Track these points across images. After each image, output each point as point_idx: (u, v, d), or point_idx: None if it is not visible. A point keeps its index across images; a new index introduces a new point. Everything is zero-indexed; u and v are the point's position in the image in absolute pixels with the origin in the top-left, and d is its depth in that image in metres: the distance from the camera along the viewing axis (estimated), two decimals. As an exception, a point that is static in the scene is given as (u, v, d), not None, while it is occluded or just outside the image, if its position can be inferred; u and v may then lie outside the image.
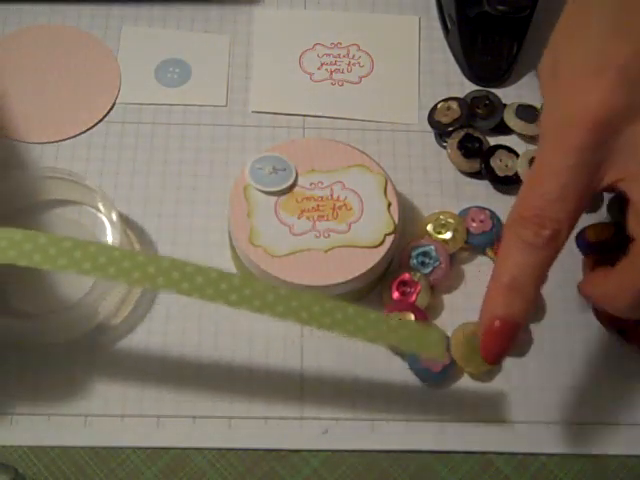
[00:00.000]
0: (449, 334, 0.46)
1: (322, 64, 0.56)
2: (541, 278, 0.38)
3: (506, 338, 0.38)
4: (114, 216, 0.45)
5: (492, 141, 0.53)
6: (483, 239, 0.49)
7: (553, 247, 0.37)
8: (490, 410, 0.45)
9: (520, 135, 0.54)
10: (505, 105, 0.54)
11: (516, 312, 0.37)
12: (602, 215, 0.51)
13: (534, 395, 0.46)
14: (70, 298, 0.45)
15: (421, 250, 0.47)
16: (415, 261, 0.47)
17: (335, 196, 0.46)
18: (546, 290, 0.48)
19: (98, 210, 0.49)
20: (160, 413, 0.44)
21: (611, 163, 0.36)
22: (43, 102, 0.53)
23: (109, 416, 0.44)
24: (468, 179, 0.52)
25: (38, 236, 0.36)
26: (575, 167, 0.36)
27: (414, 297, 0.46)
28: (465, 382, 0.46)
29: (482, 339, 0.38)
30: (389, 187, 0.46)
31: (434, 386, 0.46)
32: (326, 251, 0.44)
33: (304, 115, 0.54)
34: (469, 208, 0.50)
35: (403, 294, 0.47)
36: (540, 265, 0.37)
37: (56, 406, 0.44)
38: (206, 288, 0.36)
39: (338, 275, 0.44)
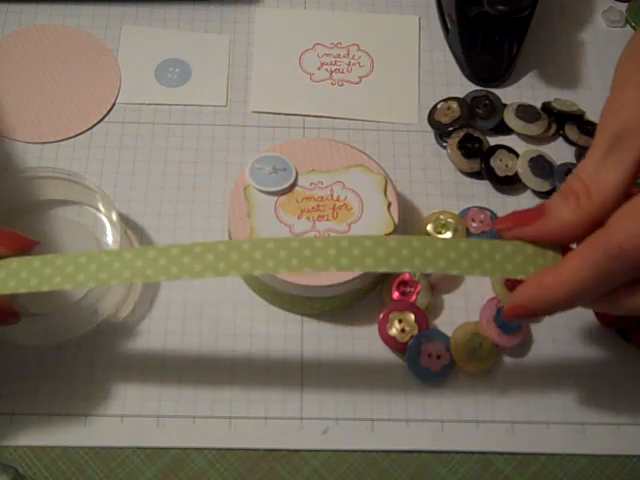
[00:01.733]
0: (449, 334, 0.46)
1: (322, 64, 0.56)
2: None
3: (528, 318, 0.38)
4: (114, 216, 0.45)
5: (492, 141, 0.53)
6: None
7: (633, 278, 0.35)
8: (490, 410, 0.45)
9: (520, 135, 0.54)
10: (505, 105, 0.54)
11: (549, 313, 0.37)
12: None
13: (534, 395, 0.46)
14: (70, 298, 0.45)
15: (421, 250, 0.47)
16: (415, 261, 0.47)
17: (335, 196, 0.46)
18: (546, 290, 0.49)
19: (98, 210, 0.49)
20: (160, 413, 0.44)
21: None
22: (43, 102, 0.53)
23: (109, 416, 0.44)
24: (468, 179, 0.52)
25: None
26: None
27: (414, 297, 0.46)
28: (465, 382, 0.46)
29: (507, 309, 0.38)
30: (389, 187, 0.46)
31: (434, 386, 0.46)
32: (326, 251, 0.44)
33: (304, 115, 0.54)
34: (469, 208, 0.50)
35: (403, 294, 0.47)
36: (605, 291, 0.35)
37: (56, 406, 0.44)
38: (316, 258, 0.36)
39: (338, 275, 0.44)
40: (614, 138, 0.36)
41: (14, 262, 0.37)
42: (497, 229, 0.38)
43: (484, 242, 0.37)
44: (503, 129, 0.54)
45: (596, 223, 0.35)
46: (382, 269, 0.36)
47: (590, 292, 0.35)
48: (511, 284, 0.46)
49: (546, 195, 0.52)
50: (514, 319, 0.38)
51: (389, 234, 0.45)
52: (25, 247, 0.38)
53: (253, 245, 0.36)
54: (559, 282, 0.35)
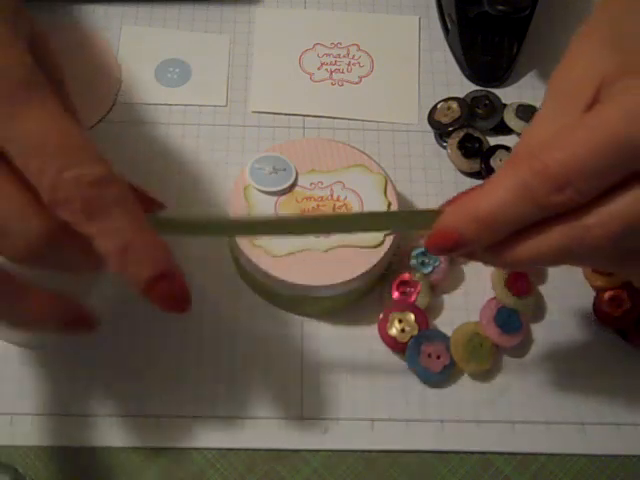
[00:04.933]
0: (449, 334, 0.46)
1: (322, 64, 0.56)
2: (520, 227, 0.33)
3: (451, 248, 0.35)
4: (114, 216, 0.45)
5: (492, 141, 0.53)
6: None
7: (553, 211, 0.33)
8: (490, 410, 0.45)
9: (520, 135, 0.54)
10: (505, 105, 0.54)
11: (474, 241, 0.34)
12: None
13: (534, 395, 0.46)
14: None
15: (421, 250, 0.47)
16: (415, 261, 0.47)
17: (335, 196, 0.46)
18: (546, 290, 0.49)
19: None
20: (160, 413, 0.44)
21: None
22: (43, 102, 0.53)
23: (110, 416, 0.44)
24: (468, 179, 0.52)
25: None
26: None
27: (414, 297, 0.46)
28: (465, 382, 0.46)
29: (429, 238, 0.35)
30: (389, 187, 0.46)
31: (434, 386, 0.46)
32: (326, 251, 0.44)
33: (304, 115, 0.54)
34: (469, 208, 0.50)
35: (403, 294, 0.47)
36: (528, 219, 0.33)
37: (56, 406, 0.44)
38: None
39: (338, 275, 0.44)
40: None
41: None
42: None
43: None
44: (503, 129, 0.54)
45: None
46: None
47: (517, 214, 0.33)
48: (511, 284, 0.47)
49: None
50: (439, 251, 0.35)
51: (389, 234, 0.45)
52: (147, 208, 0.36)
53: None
54: (483, 197, 0.33)
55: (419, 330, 0.45)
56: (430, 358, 0.45)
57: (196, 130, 0.53)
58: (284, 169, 0.46)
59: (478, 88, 0.55)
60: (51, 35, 0.55)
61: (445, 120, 0.53)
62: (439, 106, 0.54)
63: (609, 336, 0.48)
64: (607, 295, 0.47)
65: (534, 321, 0.48)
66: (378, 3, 0.59)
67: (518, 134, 0.54)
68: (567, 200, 0.32)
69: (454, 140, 0.52)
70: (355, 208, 0.45)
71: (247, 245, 0.44)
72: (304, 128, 0.54)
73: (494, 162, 0.52)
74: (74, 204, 0.31)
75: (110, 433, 0.44)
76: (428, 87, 0.56)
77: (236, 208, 0.45)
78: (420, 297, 0.46)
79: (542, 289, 0.49)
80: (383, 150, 0.53)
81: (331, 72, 0.56)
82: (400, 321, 0.45)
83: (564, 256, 0.34)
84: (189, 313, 0.47)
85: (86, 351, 0.46)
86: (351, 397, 0.45)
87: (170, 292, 0.34)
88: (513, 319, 0.46)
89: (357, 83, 0.56)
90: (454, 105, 0.54)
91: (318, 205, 0.46)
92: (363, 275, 0.44)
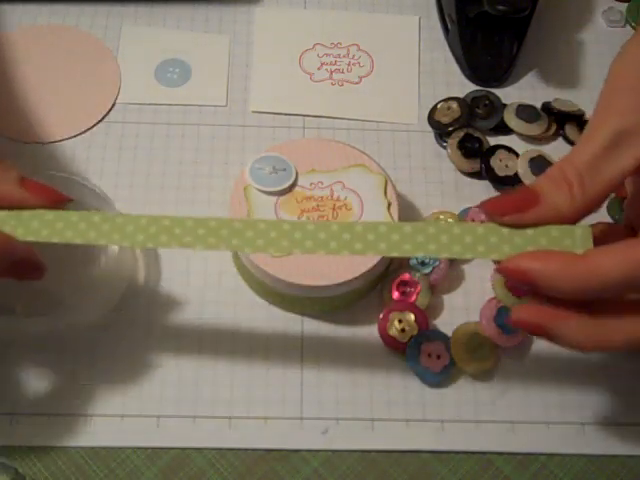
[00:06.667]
0: (449, 334, 0.46)
1: (322, 64, 0.56)
2: None
3: (522, 283, 0.36)
4: (114, 216, 0.45)
5: (492, 141, 0.53)
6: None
7: None
8: (490, 410, 0.45)
9: (520, 135, 0.54)
10: (505, 105, 0.54)
11: (551, 291, 0.35)
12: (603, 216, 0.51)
13: (534, 395, 0.46)
14: (68, 300, 0.45)
15: (421, 250, 0.47)
16: (415, 261, 0.47)
17: (335, 196, 0.46)
18: (546, 290, 0.48)
19: (98, 210, 0.49)
20: (160, 413, 0.44)
21: None
22: (43, 102, 0.53)
23: (109, 416, 0.44)
24: (468, 179, 0.52)
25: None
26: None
27: (414, 297, 0.46)
28: (465, 382, 0.46)
29: (511, 265, 0.35)
30: (389, 187, 0.46)
31: (434, 386, 0.46)
32: (326, 251, 0.44)
33: (304, 115, 0.54)
34: (469, 208, 0.50)
35: (403, 294, 0.47)
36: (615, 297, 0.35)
37: (56, 406, 0.44)
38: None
39: (338, 275, 0.44)
40: (617, 135, 0.35)
41: (26, 213, 0.37)
42: (487, 212, 0.36)
43: (503, 227, 0.35)
44: (503, 129, 0.54)
45: (585, 215, 0.35)
46: (395, 254, 0.35)
47: (605, 292, 0.34)
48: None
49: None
50: (510, 278, 0.36)
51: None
52: (58, 201, 0.38)
53: (269, 226, 0.36)
54: (583, 273, 0.34)
55: (419, 330, 0.45)
56: (430, 358, 0.45)
57: (196, 130, 0.53)
58: (284, 169, 0.46)
59: (478, 88, 0.55)
60: (51, 36, 0.56)
61: (445, 120, 0.53)
62: (439, 106, 0.54)
63: (609, 336, 0.47)
64: (607, 295, 0.47)
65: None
66: (378, 3, 0.59)
67: (518, 134, 0.54)
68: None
69: (454, 140, 0.52)
70: (355, 208, 0.45)
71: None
72: (304, 128, 0.54)
73: (494, 162, 0.52)
74: None
75: (110, 433, 0.44)
76: (428, 87, 0.56)
77: (236, 208, 0.45)
78: (420, 297, 0.46)
79: (542, 289, 0.49)
80: (383, 150, 0.53)
81: (331, 72, 0.56)
82: (400, 321, 0.45)
83: None
84: (188, 312, 0.47)
85: (86, 351, 0.46)
86: (351, 397, 0.45)
87: (21, 273, 0.37)
88: (513, 319, 0.46)
89: (357, 83, 0.56)
90: (454, 105, 0.54)
91: (318, 205, 0.46)
92: (363, 275, 0.44)
